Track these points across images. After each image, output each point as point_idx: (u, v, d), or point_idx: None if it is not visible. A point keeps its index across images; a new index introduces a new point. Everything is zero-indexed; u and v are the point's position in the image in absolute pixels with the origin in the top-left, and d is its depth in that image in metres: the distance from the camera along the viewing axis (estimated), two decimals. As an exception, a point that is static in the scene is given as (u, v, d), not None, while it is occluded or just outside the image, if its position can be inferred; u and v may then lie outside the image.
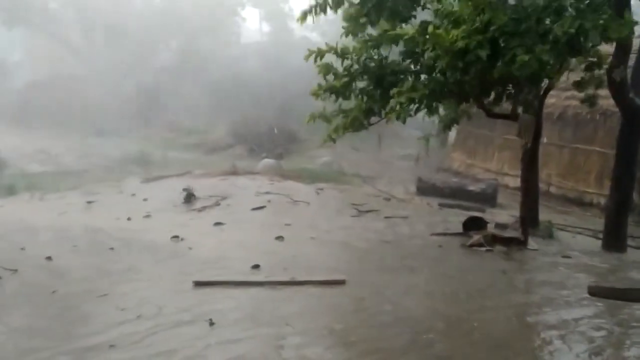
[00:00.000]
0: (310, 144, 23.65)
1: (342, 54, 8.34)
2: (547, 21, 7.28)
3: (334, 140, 8.94)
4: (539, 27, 7.19)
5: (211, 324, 5.66)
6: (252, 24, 39.51)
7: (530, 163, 10.01)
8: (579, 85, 9.51)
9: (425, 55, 7.46)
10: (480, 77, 7.51)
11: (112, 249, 8.44)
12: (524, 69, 6.95)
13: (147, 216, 11.04)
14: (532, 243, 9.38)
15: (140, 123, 26.27)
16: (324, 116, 8.76)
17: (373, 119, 8.82)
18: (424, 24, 7.53)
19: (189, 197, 11.55)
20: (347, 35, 8.77)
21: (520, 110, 9.42)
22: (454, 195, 13.79)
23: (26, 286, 6.69)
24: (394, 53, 8.63)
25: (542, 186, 12.81)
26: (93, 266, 7.58)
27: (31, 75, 30.27)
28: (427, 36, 7.06)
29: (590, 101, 9.96)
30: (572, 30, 6.85)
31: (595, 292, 6.74)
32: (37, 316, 5.84)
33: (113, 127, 24.67)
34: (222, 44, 31.26)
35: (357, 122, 8.63)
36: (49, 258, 7.65)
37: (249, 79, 29.82)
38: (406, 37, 7.38)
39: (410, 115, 7.70)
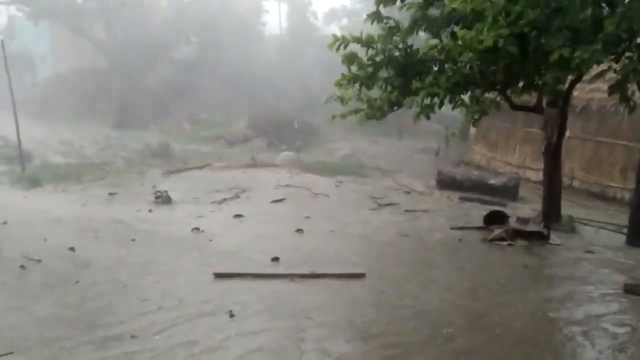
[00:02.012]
0: (329, 137, 23.64)
1: (367, 43, 8.26)
2: (589, 11, 6.85)
3: (343, 117, 8.84)
4: (579, 20, 6.87)
5: (231, 315, 5.71)
6: (272, 17, 39.56)
7: (553, 156, 9.86)
8: (616, 86, 8.16)
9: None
10: (506, 68, 7.38)
11: (133, 240, 8.54)
12: (560, 69, 6.78)
13: (169, 208, 11.13)
14: (555, 238, 9.26)
15: (161, 116, 26.48)
16: (341, 98, 8.69)
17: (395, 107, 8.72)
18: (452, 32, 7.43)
19: (163, 200, 11.37)
20: (372, 22, 8.66)
21: (544, 103, 9.28)
22: (475, 188, 13.64)
23: (50, 276, 6.79)
24: (419, 39, 8.52)
25: (564, 180, 12.62)
26: (115, 257, 7.68)
27: (55, 68, 30.70)
28: (459, 42, 6.86)
29: (629, 104, 8.66)
30: (625, 35, 6.55)
31: (632, 289, 6.63)
32: (61, 306, 5.94)
33: (134, 120, 24.92)
34: (244, 37, 31.28)
35: (379, 112, 8.58)
36: (72, 249, 7.76)
37: (269, 72, 29.88)
38: (438, 46, 7.21)
39: (434, 112, 7.61)
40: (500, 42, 6.60)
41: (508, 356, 5.15)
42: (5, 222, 8.88)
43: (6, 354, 4.77)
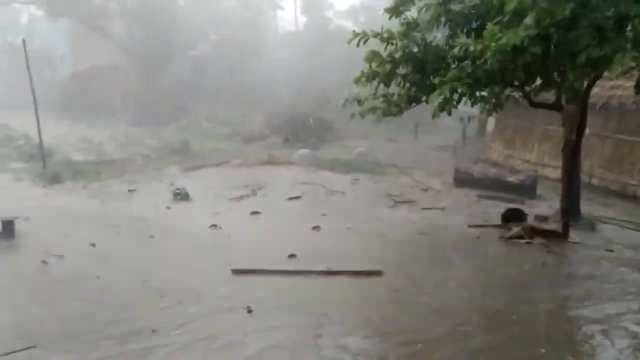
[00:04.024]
0: (345, 134, 23.59)
1: (387, 39, 8.23)
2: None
3: (362, 116, 8.83)
4: (603, 18, 6.75)
5: (249, 311, 5.75)
6: (288, 14, 39.55)
7: (572, 154, 9.75)
8: None
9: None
10: (526, 66, 7.30)
11: (152, 236, 8.64)
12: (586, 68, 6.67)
13: (187, 205, 11.22)
14: (574, 236, 9.17)
15: (179, 113, 26.65)
16: (358, 100, 8.69)
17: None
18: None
19: (181, 196, 11.48)
20: (390, 17, 8.62)
21: (564, 100, 9.17)
22: (493, 186, 13.51)
23: (71, 271, 6.91)
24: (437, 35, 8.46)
25: (583, 178, 12.46)
26: (135, 253, 7.78)
27: (74, 66, 31.04)
28: (485, 41, 6.79)
29: None
30: None
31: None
32: (82, 300, 6.04)
33: (152, 117, 25.10)
34: (261, 35, 31.35)
35: (397, 108, 8.56)
36: (92, 244, 7.88)
37: (285, 68, 29.89)
38: (465, 46, 7.15)
39: (455, 107, 7.56)
40: (526, 42, 6.54)
41: (526, 354, 5.12)
42: (27, 218, 9.03)
43: (28, 348, 4.86)
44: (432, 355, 5.04)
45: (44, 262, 7.07)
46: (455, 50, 7.17)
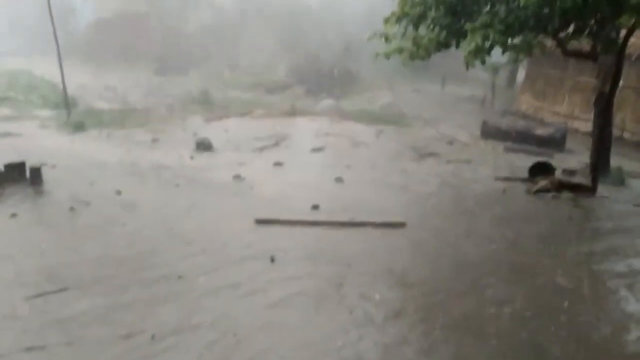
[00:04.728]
0: (370, 85, 23.23)
1: None
2: None
3: (387, 57, 8.62)
4: None
5: (272, 260, 5.81)
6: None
7: (604, 107, 9.45)
8: None
9: None
10: (562, 13, 6.98)
11: (177, 185, 8.71)
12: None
13: (210, 155, 11.26)
14: (602, 190, 9.00)
15: (201, 62, 26.47)
16: (385, 37, 8.46)
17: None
18: None
19: (204, 147, 11.45)
20: None
21: (599, 50, 8.81)
22: (521, 139, 13.26)
23: (98, 218, 7.02)
24: None
25: (615, 131, 12.13)
26: (160, 201, 7.86)
27: (97, 13, 30.84)
28: None
29: None
30: None
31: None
32: (109, 246, 6.15)
33: (175, 66, 25.00)
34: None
35: (425, 52, 8.32)
36: (118, 192, 7.98)
37: (310, 18, 29.29)
38: None
39: (489, 54, 7.30)
40: None
41: (548, 306, 5.10)
42: (54, 166, 9.16)
43: (61, 290, 5.00)
44: (453, 305, 5.04)
45: (71, 208, 7.19)
46: None
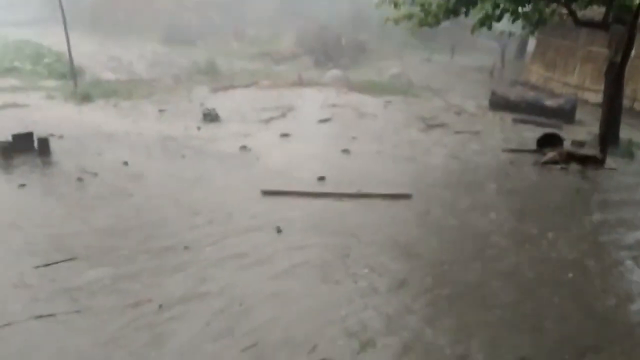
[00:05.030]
0: (378, 55, 22.94)
1: None
2: None
3: (396, 22, 8.52)
4: None
5: (279, 231, 5.84)
6: None
7: (616, 77, 9.31)
8: None
9: None
10: None
11: (183, 156, 8.72)
12: None
13: (217, 126, 11.23)
14: (611, 162, 8.93)
15: (207, 31, 26.19)
16: (395, 2, 8.34)
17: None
18: None
19: (211, 117, 11.40)
20: None
21: (611, 18, 8.63)
22: (530, 110, 13.08)
23: (106, 189, 7.06)
24: None
25: (625, 102, 11.97)
26: (166, 172, 7.89)
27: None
28: None
29: None
30: None
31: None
32: (117, 217, 6.20)
33: (181, 35, 24.75)
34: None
35: (434, 19, 8.21)
36: (125, 163, 8.01)
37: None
38: None
39: (497, 21, 7.18)
40: None
41: (554, 277, 5.12)
42: (61, 136, 9.18)
43: (69, 259, 5.07)
44: (458, 275, 5.08)
45: (79, 179, 7.23)
46: None
